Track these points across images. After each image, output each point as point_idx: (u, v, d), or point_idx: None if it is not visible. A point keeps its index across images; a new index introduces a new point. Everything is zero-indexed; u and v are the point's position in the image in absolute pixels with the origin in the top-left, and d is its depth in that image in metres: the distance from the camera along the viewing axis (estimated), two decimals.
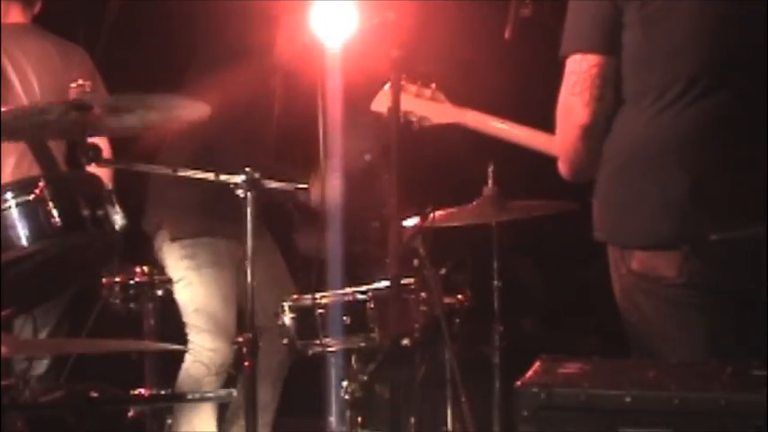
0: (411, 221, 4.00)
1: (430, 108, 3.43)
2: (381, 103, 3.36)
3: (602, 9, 3.01)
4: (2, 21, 4.46)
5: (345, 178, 4.43)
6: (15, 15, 4.49)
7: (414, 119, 3.42)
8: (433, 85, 3.45)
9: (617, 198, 3.04)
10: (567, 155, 3.07)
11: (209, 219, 4.48)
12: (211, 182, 3.67)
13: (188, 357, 4.63)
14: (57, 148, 4.42)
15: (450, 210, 4.21)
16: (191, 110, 3.79)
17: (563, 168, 3.11)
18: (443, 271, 4.11)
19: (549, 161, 3.33)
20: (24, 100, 4.33)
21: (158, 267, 3.90)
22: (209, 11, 4.83)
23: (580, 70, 3.01)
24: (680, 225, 2.94)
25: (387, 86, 3.28)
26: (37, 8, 4.58)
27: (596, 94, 2.99)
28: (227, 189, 3.61)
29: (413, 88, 3.43)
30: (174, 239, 4.60)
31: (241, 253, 4.42)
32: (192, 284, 4.58)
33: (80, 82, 3.70)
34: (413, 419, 3.99)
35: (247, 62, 4.69)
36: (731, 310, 2.95)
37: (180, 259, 4.60)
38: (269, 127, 4.83)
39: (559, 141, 3.08)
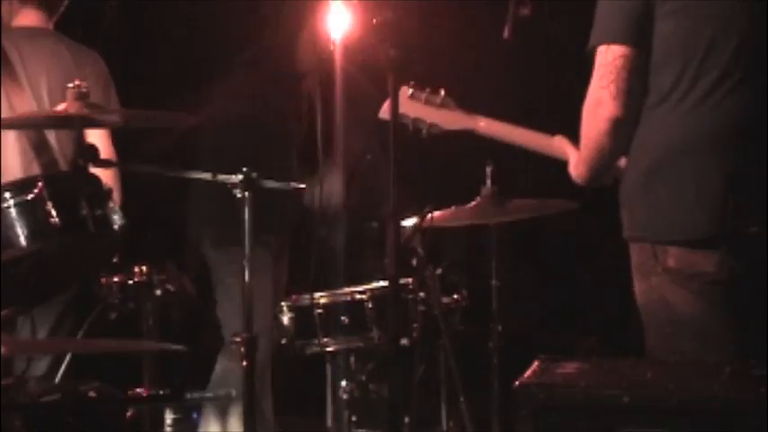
0: (409, 221, 4.01)
1: (440, 115, 3.36)
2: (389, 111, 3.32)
3: (631, 0, 2.98)
4: (18, 22, 4.48)
5: (345, 177, 4.44)
6: (33, 19, 4.49)
7: (423, 126, 3.38)
8: (443, 92, 3.39)
9: (652, 193, 2.98)
10: (590, 153, 3.03)
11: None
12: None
13: (223, 359, 4.62)
14: (64, 147, 4.41)
15: (448, 210, 4.20)
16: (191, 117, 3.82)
17: (580, 170, 3.08)
18: (439, 271, 4.12)
19: (548, 160, 3.34)
20: (31, 97, 4.34)
21: (157, 267, 3.89)
22: (209, 11, 4.83)
23: (606, 62, 2.97)
24: (719, 219, 2.91)
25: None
26: (57, 15, 4.57)
27: (623, 86, 2.95)
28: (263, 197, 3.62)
29: (422, 95, 3.37)
30: (216, 247, 4.62)
31: (270, 258, 4.48)
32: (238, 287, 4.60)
33: (77, 83, 3.70)
34: (407, 419, 4.00)
35: (257, 66, 4.71)
36: (764, 309, 2.93)
37: (226, 264, 4.60)
38: (283, 130, 4.82)
39: (584, 138, 3.03)
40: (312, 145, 4.77)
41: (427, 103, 3.38)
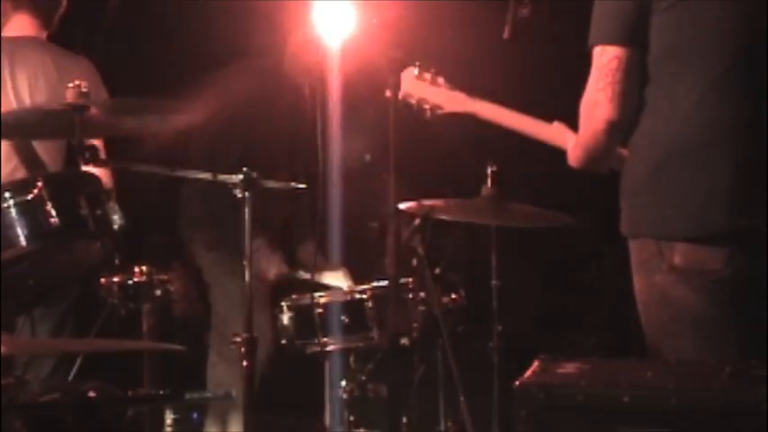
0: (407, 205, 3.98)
1: (443, 96, 3.40)
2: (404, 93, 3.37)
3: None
4: (8, 32, 4.47)
5: (345, 177, 4.44)
6: (24, 27, 4.49)
7: (427, 106, 3.41)
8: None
9: (660, 189, 2.96)
10: (587, 143, 3.04)
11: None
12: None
13: (215, 359, 4.65)
14: (57, 148, 4.42)
15: (449, 201, 4.16)
16: (187, 114, 3.81)
17: (577, 154, 3.09)
18: (438, 270, 4.11)
19: (549, 163, 3.34)
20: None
21: (157, 267, 3.90)
22: (208, 11, 4.83)
23: (601, 64, 2.97)
24: (730, 215, 2.90)
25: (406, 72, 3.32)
26: (52, 24, 4.56)
27: (618, 89, 2.95)
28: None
29: (428, 75, 3.41)
30: (209, 249, 4.71)
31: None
32: (226, 285, 4.64)
33: (77, 83, 3.70)
34: (406, 419, 4.00)
35: (248, 64, 4.71)
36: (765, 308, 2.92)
37: (214, 265, 4.72)
38: (273, 129, 4.83)
39: (582, 130, 3.04)
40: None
41: (432, 83, 3.42)
